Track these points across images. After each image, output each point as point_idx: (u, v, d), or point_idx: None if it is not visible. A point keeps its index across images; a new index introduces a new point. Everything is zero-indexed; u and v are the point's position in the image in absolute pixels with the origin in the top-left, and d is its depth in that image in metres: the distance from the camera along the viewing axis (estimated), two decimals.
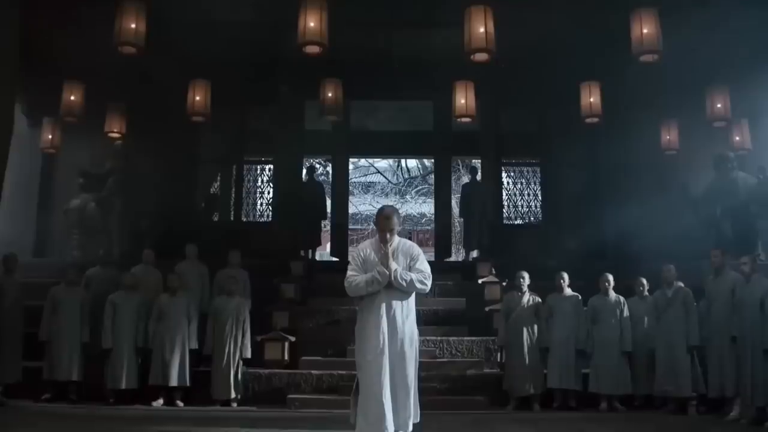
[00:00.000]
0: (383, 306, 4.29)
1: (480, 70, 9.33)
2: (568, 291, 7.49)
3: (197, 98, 9.52)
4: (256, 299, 8.55)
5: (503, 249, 11.13)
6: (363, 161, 21.34)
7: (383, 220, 4.40)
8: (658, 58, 7.65)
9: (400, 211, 4.54)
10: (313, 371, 7.55)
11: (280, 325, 8.17)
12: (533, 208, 13.09)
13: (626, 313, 7.28)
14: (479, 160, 12.85)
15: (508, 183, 13.13)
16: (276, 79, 11.66)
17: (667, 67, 9.72)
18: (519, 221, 13.09)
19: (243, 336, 7.47)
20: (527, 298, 7.41)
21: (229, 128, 12.48)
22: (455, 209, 14.52)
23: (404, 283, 4.26)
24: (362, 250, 4.46)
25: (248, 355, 7.49)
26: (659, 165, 11.25)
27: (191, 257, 8.47)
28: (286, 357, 7.81)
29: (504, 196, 12.78)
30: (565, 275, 7.51)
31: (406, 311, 4.33)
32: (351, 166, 20.51)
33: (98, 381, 7.38)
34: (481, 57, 7.42)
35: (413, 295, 4.40)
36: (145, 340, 7.46)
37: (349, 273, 4.38)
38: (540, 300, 7.45)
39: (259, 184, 13.26)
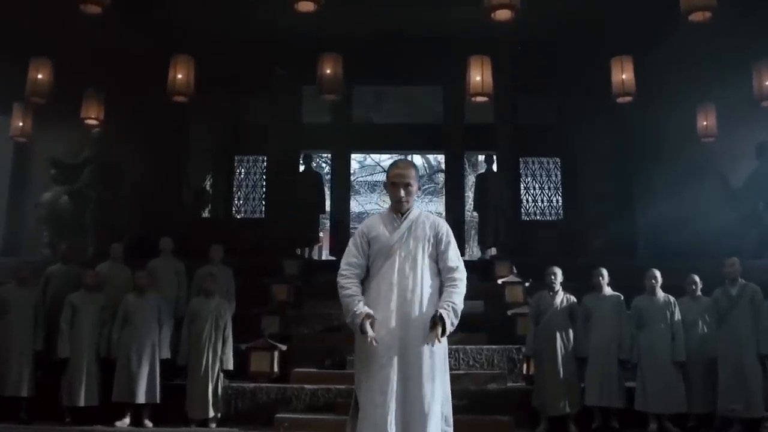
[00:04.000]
0: (394, 295, 3.12)
1: (497, 51, 8.39)
2: (607, 290, 6.34)
3: (179, 76, 8.43)
4: (244, 302, 7.54)
5: (523, 246, 10.04)
6: (369, 160, 20.46)
7: (396, 176, 3.24)
8: (711, 15, 6.53)
9: None
10: (306, 386, 6.42)
11: (269, 332, 7.08)
12: (554, 203, 11.97)
13: (678, 316, 6.13)
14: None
15: (526, 175, 12.02)
16: (270, 61, 10.66)
17: (706, 42, 8.75)
18: (539, 216, 11.97)
19: (224, 344, 6.35)
20: (561, 298, 6.25)
21: (219, 116, 11.48)
22: (468, 205, 13.43)
23: (458, 318, 3.15)
24: (369, 227, 3.30)
25: (230, 366, 6.38)
26: (695, 154, 10.20)
27: (166, 252, 7.38)
28: (276, 369, 6.69)
29: (522, 190, 11.69)
30: (604, 272, 6.37)
31: (428, 305, 3.15)
32: (357, 165, 19.82)
33: (53, 397, 6.27)
34: (503, 15, 6.36)
35: (437, 284, 3.24)
36: (108, 348, 6.36)
37: (343, 266, 3.25)
38: (575, 300, 6.31)
39: (252, 177, 12.18)
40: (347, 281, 3.21)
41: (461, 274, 3.23)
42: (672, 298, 6.21)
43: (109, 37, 9.35)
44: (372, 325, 3.06)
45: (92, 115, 9.43)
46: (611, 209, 10.52)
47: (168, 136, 10.60)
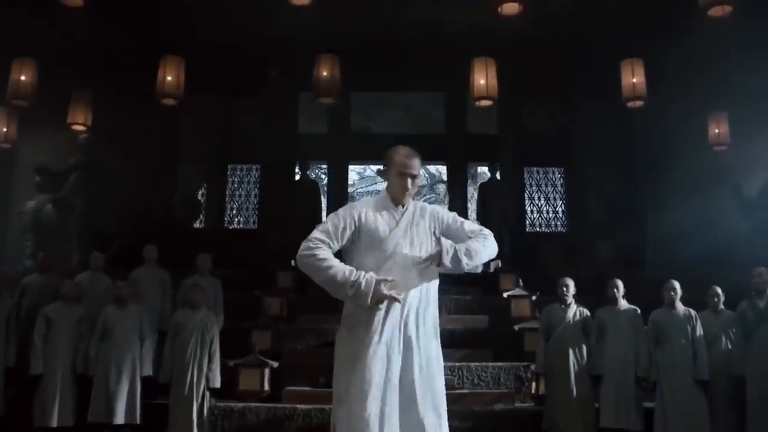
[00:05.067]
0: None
1: (501, 55, 8.04)
2: (623, 303, 5.91)
3: (169, 78, 8.07)
4: (235, 315, 7.13)
5: (528, 258, 9.66)
6: (369, 171, 20.09)
7: (404, 165, 2.82)
8: (731, 10, 6.19)
9: None
10: (299, 406, 5.97)
11: (260, 347, 6.65)
12: (559, 213, 11.57)
13: (699, 331, 5.69)
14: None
15: (530, 185, 11.63)
16: (265, 65, 10.33)
17: (719, 46, 8.44)
18: (544, 228, 11.56)
19: (210, 360, 5.91)
20: (573, 311, 5.83)
21: (212, 122, 11.13)
22: (470, 216, 13.03)
23: (473, 259, 2.73)
24: (363, 217, 2.77)
25: (217, 384, 5.93)
26: (706, 162, 9.84)
27: (150, 261, 6.94)
28: (266, 387, 6.26)
29: (526, 200, 11.31)
30: (620, 284, 5.94)
31: (425, 314, 2.74)
32: (356, 176, 19.43)
33: (26, 416, 5.81)
34: (511, 9, 6.01)
35: (436, 290, 2.82)
36: (85, 364, 5.92)
37: (314, 239, 2.69)
38: (588, 314, 5.87)
39: (246, 187, 11.77)
40: (323, 252, 2.68)
41: (487, 231, 2.87)
42: (693, 312, 5.78)
43: (98, 38, 9.03)
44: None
45: (79, 121, 9.05)
46: (618, 219, 10.18)
47: (158, 143, 10.26)
